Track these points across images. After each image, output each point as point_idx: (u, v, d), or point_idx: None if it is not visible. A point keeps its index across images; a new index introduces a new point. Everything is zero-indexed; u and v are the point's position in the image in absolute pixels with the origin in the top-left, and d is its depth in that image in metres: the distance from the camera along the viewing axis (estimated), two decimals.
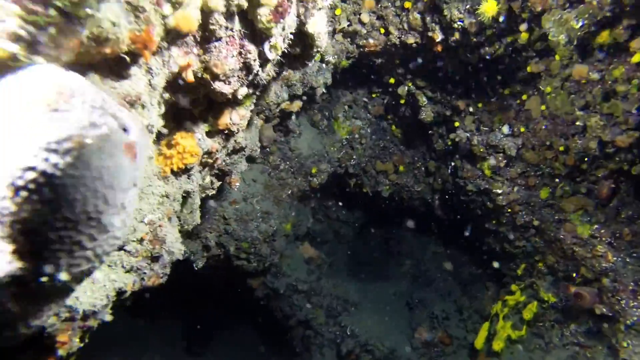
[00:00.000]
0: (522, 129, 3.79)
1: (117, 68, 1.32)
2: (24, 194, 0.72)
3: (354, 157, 5.52)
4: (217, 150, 2.39)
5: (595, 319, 4.33)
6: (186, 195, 2.37)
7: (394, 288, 7.65)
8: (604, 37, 2.79)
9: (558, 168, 3.86)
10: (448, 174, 5.27)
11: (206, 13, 1.53)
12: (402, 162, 5.89)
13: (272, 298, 6.24)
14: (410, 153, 5.82)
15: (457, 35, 3.08)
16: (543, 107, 3.59)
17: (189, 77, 1.61)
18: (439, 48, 3.28)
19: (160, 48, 1.46)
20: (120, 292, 1.92)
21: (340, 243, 8.06)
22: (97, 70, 1.27)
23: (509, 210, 4.43)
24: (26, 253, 0.77)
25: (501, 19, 2.83)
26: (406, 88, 4.20)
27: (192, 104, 2.04)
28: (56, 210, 0.74)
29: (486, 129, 4.11)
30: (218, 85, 1.76)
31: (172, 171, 2.15)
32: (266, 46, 1.69)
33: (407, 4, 3.24)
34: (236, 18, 1.66)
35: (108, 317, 1.89)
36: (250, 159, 3.48)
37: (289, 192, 5.26)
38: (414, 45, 3.48)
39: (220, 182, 3.20)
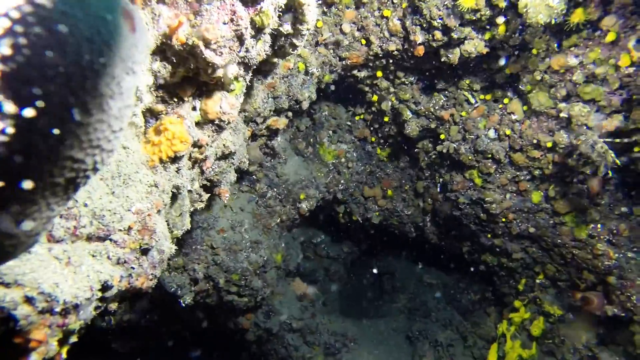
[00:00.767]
0: (508, 132, 3.82)
1: None
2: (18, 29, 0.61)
3: (342, 181, 5.46)
4: (206, 144, 2.29)
5: (606, 326, 4.17)
6: (175, 192, 2.23)
7: (392, 323, 7.36)
8: (578, 15, 2.89)
9: (547, 168, 3.86)
10: (437, 192, 5.23)
11: None
12: (390, 186, 5.85)
13: (265, 340, 5.86)
14: (397, 176, 5.80)
15: (438, 35, 3.16)
16: (525, 108, 3.65)
17: (180, 37, 1.55)
18: (420, 51, 3.34)
19: (148, 0, 1.41)
20: (105, 287, 1.72)
21: (331, 281, 7.81)
22: None
23: (503, 219, 4.37)
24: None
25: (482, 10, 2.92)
26: (389, 103, 4.24)
27: (181, 85, 1.96)
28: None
29: (472, 136, 4.13)
30: (209, 55, 1.70)
31: (161, 160, 2.03)
32: (260, 6, 1.66)
33: (387, 12, 3.34)
34: None
35: (91, 315, 1.68)
36: (239, 172, 3.37)
37: (278, 220, 5.10)
38: (395, 52, 3.55)
39: (209, 194, 3.06)
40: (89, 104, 0.70)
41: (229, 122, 2.26)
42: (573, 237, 4.07)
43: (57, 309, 1.49)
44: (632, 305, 3.60)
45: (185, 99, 2.03)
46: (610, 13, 2.98)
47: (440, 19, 3.01)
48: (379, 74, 3.96)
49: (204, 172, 2.71)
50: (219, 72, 1.90)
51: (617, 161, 3.38)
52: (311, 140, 5.37)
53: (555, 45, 3.29)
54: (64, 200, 0.83)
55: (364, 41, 3.59)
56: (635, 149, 3.39)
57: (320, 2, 3.42)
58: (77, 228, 1.67)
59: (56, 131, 0.69)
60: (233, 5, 1.66)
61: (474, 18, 2.95)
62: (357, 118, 5.08)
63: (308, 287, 6.27)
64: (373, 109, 4.67)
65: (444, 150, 4.37)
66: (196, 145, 2.23)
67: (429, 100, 4.24)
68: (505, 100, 3.80)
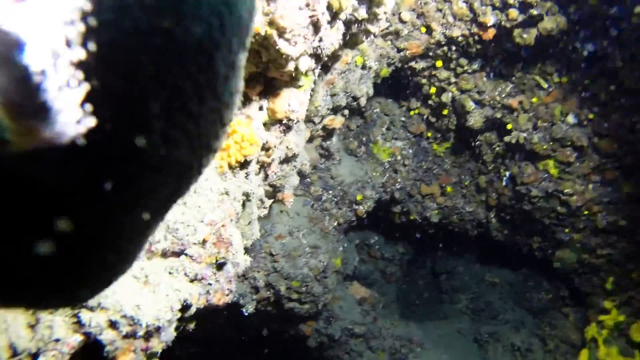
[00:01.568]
0: (591, 116, 3.44)
1: None
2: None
3: (399, 180, 5.21)
4: (274, 147, 2.13)
5: None
6: (245, 199, 2.09)
7: (456, 325, 7.00)
8: None
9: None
10: (503, 186, 4.87)
11: None
12: (448, 182, 5.54)
13: (327, 347, 5.70)
14: (455, 171, 5.47)
15: (513, 14, 2.87)
16: (612, 87, 3.27)
17: (255, 25, 1.39)
18: (491, 34, 3.06)
19: None
20: (184, 307, 1.60)
21: (387, 283, 7.54)
22: None
23: (586, 212, 3.96)
24: (106, 107, 0.48)
25: None
26: (450, 94, 3.96)
27: (248, 83, 1.82)
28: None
29: (546, 124, 3.77)
30: (283, 46, 1.54)
31: (230, 166, 1.89)
32: None
33: None
34: None
35: (172, 336, 1.55)
36: (300, 175, 3.21)
37: (335, 224, 4.92)
38: (460, 38, 3.28)
39: (272, 200, 2.93)
40: (203, 87, 0.53)
41: (297, 121, 2.10)
42: None
43: (140, 333, 1.36)
44: None
45: (253, 98, 1.89)
46: None
47: None
48: (439, 63, 3.70)
49: (268, 177, 2.57)
50: (291, 66, 1.74)
51: None
52: (363, 139, 5.16)
53: None
54: (161, 219, 0.67)
55: (424, 29, 3.35)
56: None
57: None
58: (152, 243, 1.55)
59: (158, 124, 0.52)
60: None
61: None
62: (411, 113, 4.82)
63: (367, 291, 6.06)
64: (430, 102, 4.40)
65: (513, 141, 4.04)
66: (264, 147, 2.09)
67: (494, 89, 3.93)
68: (586, 82, 3.43)
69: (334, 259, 4.95)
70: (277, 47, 1.55)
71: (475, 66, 3.79)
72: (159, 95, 0.50)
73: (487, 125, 4.26)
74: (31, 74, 0.42)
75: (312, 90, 2.80)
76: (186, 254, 1.64)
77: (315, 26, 1.60)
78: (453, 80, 3.88)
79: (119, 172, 0.51)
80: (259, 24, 1.46)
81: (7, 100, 0.43)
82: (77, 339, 1.16)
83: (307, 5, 1.52)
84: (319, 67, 2.00)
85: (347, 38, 1.97)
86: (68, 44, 0.47)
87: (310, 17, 1.56)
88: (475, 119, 4.12)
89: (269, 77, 1.87)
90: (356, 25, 1.86)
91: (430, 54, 3.63)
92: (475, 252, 7.17)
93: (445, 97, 4.02)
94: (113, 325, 1.27)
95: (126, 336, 1.33)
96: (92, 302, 1.21)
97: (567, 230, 4.33)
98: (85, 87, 0.47)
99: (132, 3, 0.45)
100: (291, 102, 2.00)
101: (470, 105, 4.04)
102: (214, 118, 0.60)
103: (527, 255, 5.90)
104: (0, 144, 0.45)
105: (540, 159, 3.93)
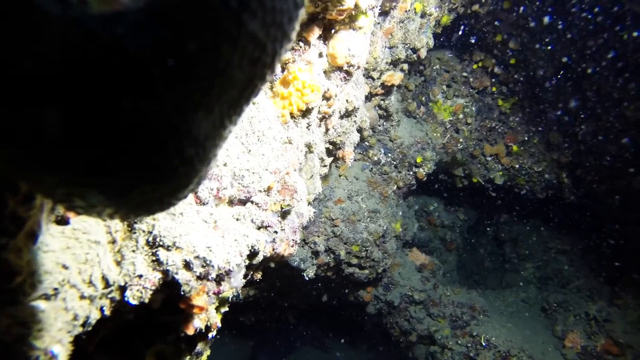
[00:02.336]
0: None
1: None
2: None
3: (461, 140, 4.95)
4: (335, 96, 2.05)
5: None
6: (307, 150, 2.04)
7: (520, 294, 6.71)
8: None
9: None
10: (579, 140, 4.47)
11: None
12: (514, 141, 5.19)
13: (386, 313, 5.68)
14: (523, 128, 5.11)
15: None
16: None
17: None
18: None
19: None
20: (252, 253, 1.59)
21: (447, 250, 7.36)
22: None
23: None
24: None
25: None
26: (519, 40, 3.64)
27: (307, 25, 1.73)
28: None
29: None
30: None
31: (292, 115, 1.83)
32: None
33: None
34: None
35: (241, 282, 1.55)
36: (360, 132, 3.11)
37: (394, 187, 4.79)
38: None
39: (332, 159, 2.86)
40: None
41: (357, 67, 1.99)
42: None
43: (213, 275, 1.37)
44: None
45: (312, 42, 1.80)
46: None
47: None
48: (507, 4, 3.38)
49: (328, 132, 2.50)
50: (350, 2, 1.63)
51: None
52: (423, 98, 4.93)
53: None
54: (237, 114, 0.61)
55: None
56: None
57: None
58: (220, 190, 1.54)
59: None
60: None
61: None
62: (474, 67, 4.51)
63: (427, 257, 5.92)
64: (496, 51, 4.08)
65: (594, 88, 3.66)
66: (324, 97, 2.01)
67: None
68: None
69: (393, 224, 4.85)
70: None
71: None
72: None
73: (560, 72, 3.89)
74: None
75: (372, 38, 2.66)
76: (252, 201, 1.62)
77: None
78: (522, 22, 3.55)
79: (195, 37, 0.45)
80: None
81: None
82: (157, 276, 1.17)
83: None
84: (379, 6, 1.87)
85: None
86: None
87: None
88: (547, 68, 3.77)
89: (328, 21, 1.77)
90: None
91: None
92: (543, 217, 6.76)
93: (514, 44, 3.71)
94: (187, 265, 1.27)
95: (200, 277, 1.33)
96: (167, 241, 1.21)
97: None
98: None
99: None
100: (351, 46, 1.89)
101: (541, 52, 3.70)
102: None
103: (603, 218, 5.47)
104: (81, 2, 0.40)
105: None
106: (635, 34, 3.21)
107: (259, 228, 1.64)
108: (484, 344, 5.05)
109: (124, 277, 1.10)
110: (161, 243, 1.17)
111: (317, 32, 1.78)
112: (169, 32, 0.43)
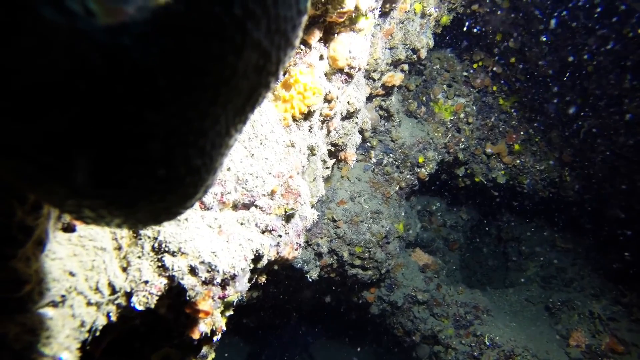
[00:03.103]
0: None
1: None
2: None
3: (462, 139, 4.95)
4: (336, 98, 2.05)
5: None
6: (310, 153, 2.04)
7: (524, 293, 6.71)
8: None
9: None
10: (581, 138, 4.47)
11: None
12: (516, 140, 5.19)
13: (390, 313, 5.67)
14: (525, 127, 5.10)
15: None
16: None
17: None
18: None
19: None
20: (257, 257, 1.59)
21: (450, 250, 7.35)
22: None
23: None
24: None
25: None
26: (520, 39, 3.64)
27: (307, 28, 1.73)
28: None
29: None
30: None
31: (294, 118, 1.84)
32: None
33: None
34: None
35: (246, 286, 1.55)
36: (361, 133, 3.12)
37: (397, 188, 4.79)
38: None
39: (334, 160, 2.87)
40: None
41: (358, 69, 1.99)
42: None
43: (218, 279, 1.37)
44: None
45: (313, 44, 1.80)
46: None
47: None
48: (506, 4, 3.39)
49: (330, 133, 2.51)
50: (350, 4, 1.63)
51: None
52: (424, 99, 4.93)
53: None
54: (241, 122, 0.62)
55: None
56: None
57: None
58: (224, 194, 1.55)
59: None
60: None
61: None
62: (475, 66, 4.51)
63: (430, 257, 5.92)
64: (495, 50, 4.08)
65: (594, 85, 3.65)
66: (326, 99, 2.01)
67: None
68: None
69: (396, 224, 4.84)
70: None
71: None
72: None
73: (561, 70, 3.89)
74: None
75: (372, 40, 2.66)
76: (256, 205, 1.63)
77: None
78: (522, 22, 3.55)
79: (201, 46, 0.45)
80: None
81: None
82: (162, 281, 1.18)
83: None
84: (379, 8, 1.87)
85: None
86: None
87: None
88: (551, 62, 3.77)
89: (328, 24, 1.78)
90: None
91: None
92: (546, 215, 6.75)
93: (514, 43, 3.71)
94: (193, 270, 1.28)
95: (205, 282, 1.34)
96: (172, 247, 1.22)
97: None
98: None
99: None
100: (352, 48, 1.90)
101: (543, 48, 3.70)
102: (291, 1, 0.52)
103: (607, 217, 5.45)
104: (88, 15, 0.41)
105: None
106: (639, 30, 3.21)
107: (263, 232, 1.64)
108: (487, 343, 5.04)
109: (130, 283, 1.10)
110: (166, 249, 1.18)
111: (317, 34, 1.79)
112: (174, 43, 0.43)
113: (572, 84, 4.02)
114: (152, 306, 1.17)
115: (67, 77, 0.44)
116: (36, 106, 0.46)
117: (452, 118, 4.69)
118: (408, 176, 4.80)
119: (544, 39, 3.62)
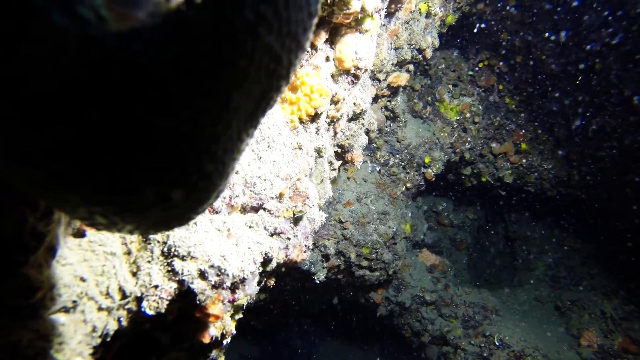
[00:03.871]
0: None
1: None
2: None
3: (469, 139, 4.92)
4: (343, 99, 2.04)
5: None
6: (317, 155, 2.04)
7: (533, 293, 6.65)
8: None
9: None
10: (589, 136, 4.43)
11: None
12: (523, 139, 5.15)
13: (398, 314, 5.65)
14: (531, 126, 5.07)
15: None
16: None
17: None
18: None
19: None
20: (266, 260, 1.59)
21: (458, 250, 7.32)
22: None
23: None
24: None
25: None
26: (525, 37, 3.61)
27: (315, 27, 1.73)
28: None
29: None
30: None
31: (301, 120, 1.83)
32: None
33: None
34: None
35: (255, 290, 1.55)
36: (367, 134, 3.11)
37: (403, 189, 4.78)
38: None
39: (341, 162, 2.86)
40: None
41: (365, 70, 1.99)
42: None
43: (227, 283, 1.37)
44: None
45: (319, 46, 1.80)
46: None
47: None
48: (512, 1, 3.36)
49: (337, 135, 2.50)
50: (356, 5, 1.62)
51: None
52: (429, 99, 4.91)
53: None
54: (253, 126, 0.61)
55: None
56: None
57: None
58: (232, 198, 1.55)
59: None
60: None
61: None
62: (480, 65, 4.49)
63: (437, 258, 5.89)
64: (501, 49, 4.06)
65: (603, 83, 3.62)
66: (333, 101, 2.01)
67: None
68: None
69: (403, 225, 4.83)
70: None
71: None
72: None
73: (568, 68, 3.86)
74: None
75: (377, 40, 2.66)
76: (264, 208, 1.63)
77: None
78: (528, 20, 3.53)
79: (212, 52, 0.45)
80: None
81: None
82: (172, 286, 1.17)
83: None
84: (385, 8, 1.87)
85: None
86: None
87: None
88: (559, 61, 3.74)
89: (334, 25, 1.77)
90: None
91: None
92: (554, 214, 6.70)
93: (520, 42, 3.68)
94: (202, 274, 1.28)
95: (215, 286, 1.33)
96: (182, 251, 1.22)
97: None
98: None
99: None
100: (358, 49, 1.89)
101: (547, 49, 3.67)
102: (302, 3, 0.52)
103: (616, 215, 5.40)
104: (99, 20, 0.40)
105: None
106: None
107: (271, 235, 1.64)
108: (497, 343, 5.00)
109: (140, 288, 1.10)
110: (176, 253, 1.18)
111: (323, 36, 1.78)
112: (185, 48, 0.43)
113: (580, 81, 3.99)
114: (163, 311, 1.17)
115: (77, 84, 0.44)
116: (46, 113, 0.45)
117: (458, 118, 4.67)
118: (414, 176, 4.79)
119: (552, 37, 3.60)
